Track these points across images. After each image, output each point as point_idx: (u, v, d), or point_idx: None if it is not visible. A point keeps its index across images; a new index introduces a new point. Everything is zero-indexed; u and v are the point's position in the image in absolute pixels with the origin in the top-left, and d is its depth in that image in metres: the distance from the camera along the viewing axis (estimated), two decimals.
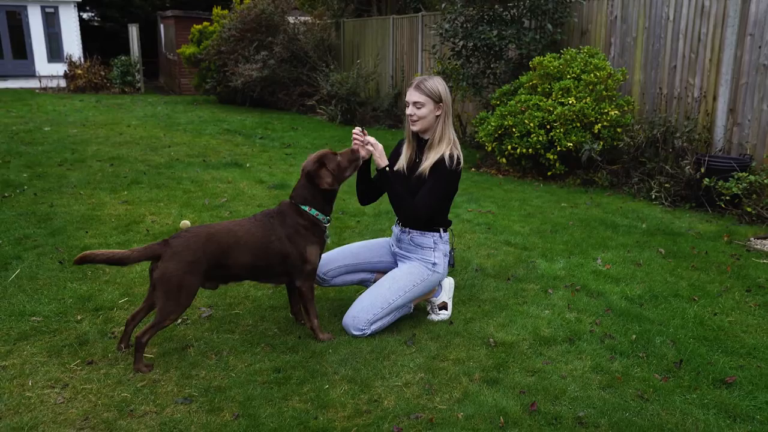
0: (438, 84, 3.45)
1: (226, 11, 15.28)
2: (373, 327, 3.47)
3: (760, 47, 6.54)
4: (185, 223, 5.25)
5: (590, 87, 7.34)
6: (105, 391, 2.92)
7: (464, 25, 8.83)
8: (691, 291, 4.16)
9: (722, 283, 4.30)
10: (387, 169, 3.41)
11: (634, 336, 3.51)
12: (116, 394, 2.90)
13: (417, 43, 12.20)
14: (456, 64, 9.29)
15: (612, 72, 7.39)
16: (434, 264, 3.61)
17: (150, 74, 22.43)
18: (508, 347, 3.39)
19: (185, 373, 3.08)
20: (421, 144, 3.56)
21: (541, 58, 7.74)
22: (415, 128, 3.49)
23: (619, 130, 7.32)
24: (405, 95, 3.53)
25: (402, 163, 3.61)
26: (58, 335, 3.42)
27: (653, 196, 6.64)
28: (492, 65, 9.02)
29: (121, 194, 6.26)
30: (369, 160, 3.56)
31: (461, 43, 8.96)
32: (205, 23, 15.56)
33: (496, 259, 4.74)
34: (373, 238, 5.01)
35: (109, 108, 13.83)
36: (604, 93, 7.33)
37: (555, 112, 7.23)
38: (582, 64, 7.50)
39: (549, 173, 7.53)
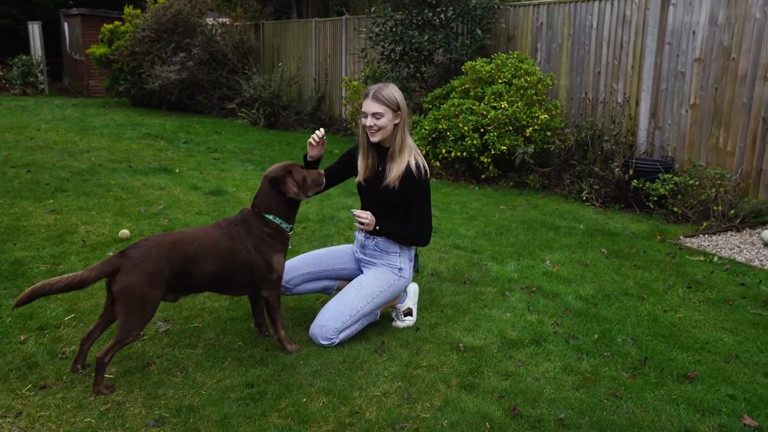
0: (394, 92, 3.44)
1: (138, 11, 14.70)
2: (342, 336, 3.41)
3: (677, 55, 6.89)
4: (124, 232, 5.00)
5: (521, 91, 7.51)
6: (65, 417, 2.72)
7: (394, 29, 8.87)
8: (639, 289, 4.32)
9: (665, 281, 4.49)
10: (378, 228, 3.47)
11: (596, 336, 3.60)
12: (78, 420, 2.71)
13: (341, 47, 12.15)
14: (385, 68, 9.32)
15: (541, 77, 7.59)
16: (400, 269, 3.58)
17: (54, 75, 21.28)
18: (478, 351, 3.40)
19: (151, 393, 2.91)
20: (381, 152, 3.53)
21: (473, 63, 7.86)
22: (375, 139, 3.45)
23: (549, 133, 7.53)
24: (361, 106, 3.49)
25: (361, 175, 3.58)
26: (2, 358, 3.16)
27: (584, 198, 6.87)
28: (421, 69, 9.10)
29: (46, 203, 5.89)
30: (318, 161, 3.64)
31: (390, 47, 8.99)
32: (117, 23, 14.90)
33: (448, 263, 4.76)
34: (320, 245, 5.01)
35: (12, 111, 13.00)
36: (535, 97, 7.53)
37: (489, 116, 7.35)
38: (512, 69, 7.67)
39: (483, 176, 7.66)
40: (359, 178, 3.58)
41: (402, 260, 3.59)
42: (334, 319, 3.38)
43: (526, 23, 8.56)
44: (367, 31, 9.17)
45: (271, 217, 3.24)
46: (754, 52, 6.21)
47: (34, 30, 18.27)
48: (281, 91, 12.28)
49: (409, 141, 3.50)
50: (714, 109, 6.58)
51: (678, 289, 4.35)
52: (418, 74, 9.04)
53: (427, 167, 3.49)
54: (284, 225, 3.28)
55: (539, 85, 7.57)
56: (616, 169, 6.74)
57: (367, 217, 3.43)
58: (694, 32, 6.72)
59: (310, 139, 3.53)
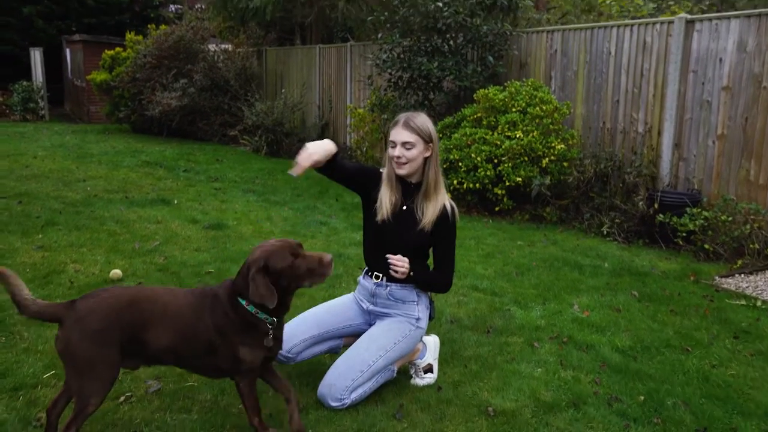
0: (427, 122, 3.12)
1: (140, 37, 14.47)
2: (354, 396, 3.00)
3: (703, 83, 6.56)
4: (116, 272, 4.61)
5: (536, 120, 7.18)
6: None
7: (401, 56, 8.57)
8: (680, 340, 3.92)
9: (708, 330, 4.09)
10: (411, 275, 3.10)
11: (642, 397, 3.19)
12: None
13: (345, 73, 11.87)
14: (392, 96, 9.01)
15: (558, 106, 7.27)
16: (418, 319, 3.21)
17: (55, 101, 21.04)
18: (510, 417, 2.99)
19: None
20: (407, 188, 3.18)
21: (486, 91, 7.54)
22: (402, 171, 3.12)
23: (565, 164, 7.19)
24: (389, 135, 3.15)
25: (386, 212, 3.20)
26: None
27: (605, 232, 6.50)
28: (429, 97, 8.79)
29: (34, 238, 5.51)
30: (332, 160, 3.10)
31: (398, 74, 8.69)
32: (118, 49, 14.66)
33: (468, 307, 4.37)
34: (327, 288, 4.62)
35: (10, 137, 12.70)
36: (551, 127, 7.19)
37: (503, 146, 7.02)
38: (527, 97, 7.35)
39: (497, 209, 7.29)
40: (384, 214, 3.16)
41: (420, 309, 3.21)
42: (343, 377, 2.98)
43: (540, 50, 8.27)
44: (374, 57, 8.88)
45: (244, 302, 2.58)
46: None
47: (36, 56, 18.07)
48: (284, 118, 11.98)
49: (442, 179, 3.16)
50: (744, 140, 6.23)
51: (724, 340, 3.94)
52: (426, 102, 8.72)
53: (457, 210, 3.14)
54: (262, 316, 2.59)
55: (555, 114, 7.25)
56: (640, 203, 6.39)
57: (404, 264, 3.05)
58: (721, 59, 6.39)
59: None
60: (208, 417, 2.90)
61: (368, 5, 12.61)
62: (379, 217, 3.20)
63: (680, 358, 3.66)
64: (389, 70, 8.70)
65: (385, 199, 3.19)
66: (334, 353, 3.37)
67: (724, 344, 3.87)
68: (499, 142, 7.10)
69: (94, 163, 9.87)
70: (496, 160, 7.12)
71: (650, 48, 7.03)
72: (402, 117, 3.12)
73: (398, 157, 3.08)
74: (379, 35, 8.89)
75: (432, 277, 3.17)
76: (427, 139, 3.08)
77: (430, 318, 3.32)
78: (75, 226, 5.93)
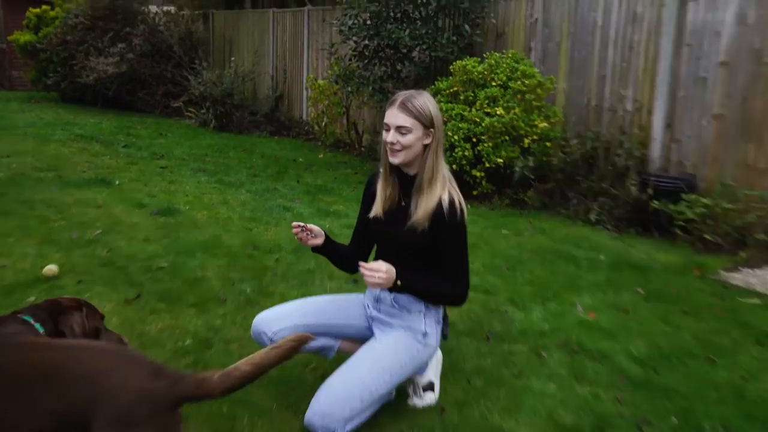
0: (429, 103, 2.74)
1: None
2: (349, 427, 2.61)
3: (698, 59, 6.33)
4: (51, 268, 4.12)
5: (518, 96, 6.89)
6: None
7: (368, 22, 8.15)
8: (701, 347, 3.66)
9: (728, 334, 3.85)
10: (399, 284, 2.70)
11: (674, 419, 2.91)
12: None
13: (302, 40, 11.38)
14: (357, 66, 8.59)
15: (541, 80, 6.99)
16: (425, 334, 2.85)
17: None
18: None
19: None
20: (404, 180, 2.82)
21: (463, 62, 7.21)
22: (396, 160, 2.75)
23: (548, 144, 6.94)
24: (384, 116, 2.78)
25: (378, 207, 2.85)
26: None
27: (593, 219, 6.28)
28: (398, 68, 8.41)
29: None
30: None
31: (364, 42, 8.28)
32: (45, 7, 13.78)
33: (460, 308, 4.03)
34: (299, 284, 4.27)
35: None
36: (534, 103, 6.93)
37: (483, 124, 6.71)
38: (508, 70, 7.05)
39: (475, 192, 6.98)
40: (376, 210, 2.87)
41: (428, 322, 2.85)
42: (340, 405, 2.59)
43: (519, 18, 7.96)
44: (338, 23, 8.43)
45: (31, 319, 2.23)
46: None
47: None
48: (234, 89, 11.45)
49: (444, 170, 2.80)
50: (743, 120, 6.03)
51: (748, 347, 3.70)
52: (394, 74, 8.35)
53: (463, 204, 2.76)
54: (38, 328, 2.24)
55: (539, 89, 6.97)
56: (632, 187, 6.16)
57: (382, 270, 2.65)
58: (718, 32, 6.16)
59: (296, 237, 2.92)
60: None
61: None
62: (372, 213, 2.89)
63: (706, 369, 3.41)
64: (354, 38, 8.28)
65: (379, 193, 2.88)
66: (323, 357, 3.03)
67: (750, 352, 3.64)
68: (478, 119, 6.80)
69: (19, 135, 9.18)
70: (474, 139, 6.82)
71: (641, 19, 6.77)
72: (399, 96, 2.75)
73: (392, 143, 2.72)
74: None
75: (434, 286, 2.80)
76: (427, 124, 2.71)
77: (444, 337, 2.97)
78: (0, 212, 5.36)
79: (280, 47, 12.05)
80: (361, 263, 2.67)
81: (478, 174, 6.84)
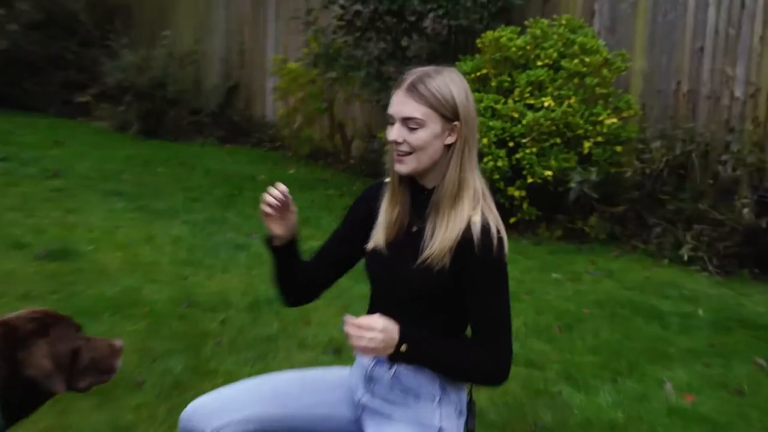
0: (452, 84, 2.67)
1: None
2: None
3: None
4: None
5: (575, 80, 6.97)
6: None
7: None
8: None
9: None
10: (404, 349, 2.58)
11: None
12: None
13: (266, 6, 11.58)
14: (344, 42, 8.69)
15: (609, 57, 7.06)
16: (440, 430, 2.76)
17: None
18: None
19: None
20: (419, 195, 2.74)
21: (496, 33, 7.27)
22: (404, 168, 2.67)
23: (618, 149, 7.00)
24: (390, 101, 2.71)
25: (380, 236, 2.76)
26: None
27: (686, 256, 6.36)
28: (402, 44, 8.51)
29: None
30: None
31: (354, 7, 8.39)
32: None
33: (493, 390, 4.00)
34: (255, 358, 4.26)
35: None
36: (598, 90, 6.98)
37: (524, 121, 6.74)
38: (560, 43, 7.14)
39: (513, 219, 6.98)
40: (377, 241, 2.78)
41: (444, 413, 2.74)
42: None
43: None
44: None
45: None
46: None
47: None
48: (168, 77, 11.60)
49: (477, 182, 2.72)
50: None
51: None
52: (398, 51, 8.43)
53: (503, 232, 2.67)
54: None
55: (605, 70, 7.05)
56: (744, 210, 6.19)
57: (377, 327, 2.58)
58: None
59: (263, 204, 2.74)
60: None
61: None
62: (370, 245, 2.79)
63: None
64: (341, 1, 8.40)
65: (382, 216, 2.80)
66: None
67: None
68: (516, 115, 6.86)
69: None
70: (512, 143, 6.88)
71: None
72: (409, 75, 2.69)
73: (397, 143, 2.64)
74: None
75: (459, 355, 2.69)
76: (448, 114, 2.63)
77: (469, 430, 2.88)
78: None
79: (235, 16, 12.21)
80: (347, 317, 2.59)
81: (516, 193, 6.86)
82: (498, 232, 2.65)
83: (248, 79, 12.07)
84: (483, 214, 2.66)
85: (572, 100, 6.85)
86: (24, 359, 2.32)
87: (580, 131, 6.82)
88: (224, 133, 11.60)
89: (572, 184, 6.74)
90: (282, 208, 2.70)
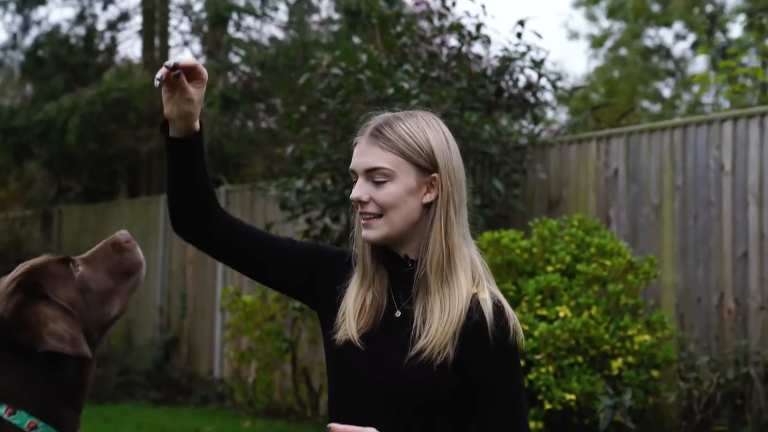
0: (427, 128, 2.61)
1: None
2: None
3: None
4: None
5: (595, 288, 6.92)
6: None
7: (331, 186, 8.62)
8: None
9: None
10: None
11: None
12: None
13: None
14: None
15: (634, 262, 7.06)
16: None
17: None
18: None
19: None
20: (400, 270, 2.57)
21: (495, 235, 7.26)
22: (371, 235, 2.54)
23: (655, 373, 6.84)
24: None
25: (352, 327, 2.59)
26: None
27: None
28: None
29: None
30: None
31: (324, 220, 8.70)
32: None
33: None
34: None
35: None
36: (624, 300, 6.92)
37: (535, 333, 6.62)
38: (572, 245, 7.11)
39: None
40: (347, 333, 2.59)
41: None
42: None
43: (586, 170, 8.40)
44: (278, 192, 8.96)
45: (2, 411, 2.37)
46: None
47: None
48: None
49: (472, 252, 2.62)
50: None
51: None
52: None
53: (515, 319, 2.53)
54: (43, 429, 2.41)
55: (630, 276, 6.99)
56: None
57: None
58: None
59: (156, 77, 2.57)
60: None
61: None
62: (339, 336, 2.60)
63: None
64: (307, 213, 8.73)
65: (350, 301, 2.62)
66: None
67: None
68: (527, 327, 6.71)
69: None
70: (522, 362, 6.61)
71: None
72: (374, 120, 2.66)
73: (362, 203, 2.49)
74: (288, 150, 8.80)
75: None
76: (424, 165, 2.51)
77: None
78: None
79: (177, 254, 12.45)
80: (333, 425, 2.43)
81: (532, 424, 6.55)
82: (510, 315, 2.53)
83: (192, 329, 12.27)
84: (491, 292, 2.53)
85: (593, 311, 6.78)
86: (30, 338, 2.34)
87: (606, 347, 6.70)
88: (162, 395, 11.67)
89: (601, 412, 6.55)
90: (171, 80, 2.50)
